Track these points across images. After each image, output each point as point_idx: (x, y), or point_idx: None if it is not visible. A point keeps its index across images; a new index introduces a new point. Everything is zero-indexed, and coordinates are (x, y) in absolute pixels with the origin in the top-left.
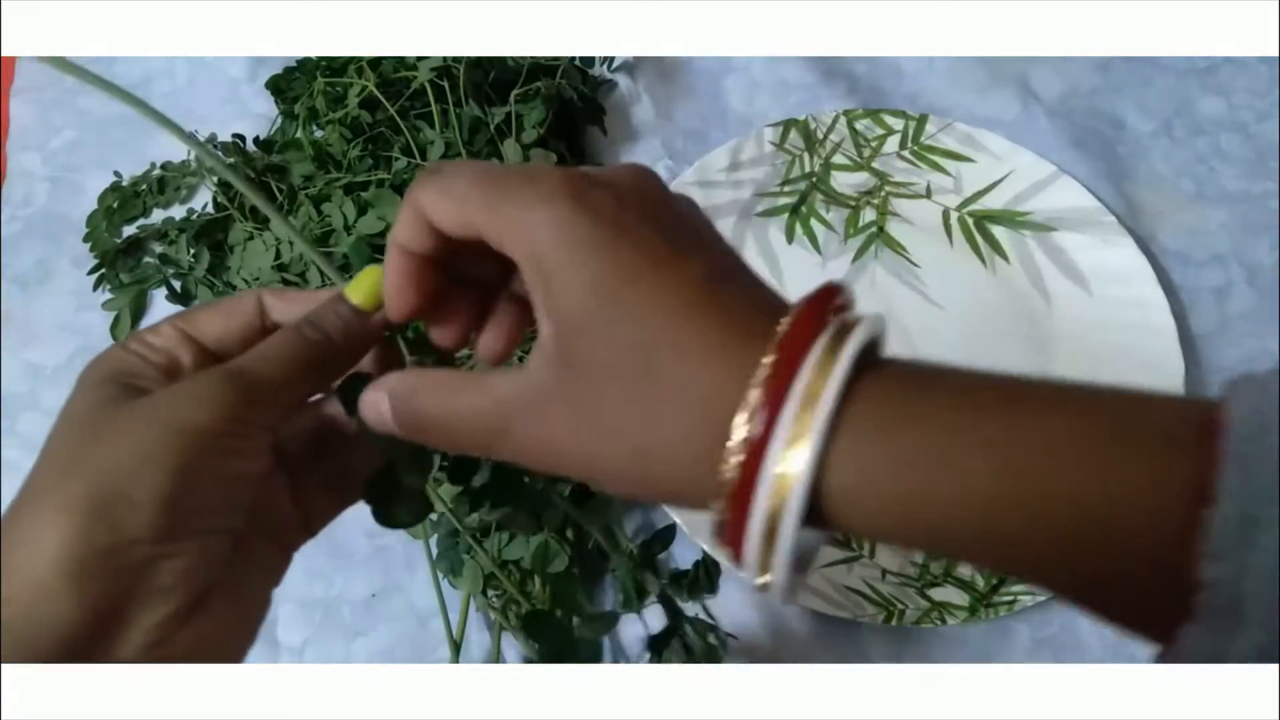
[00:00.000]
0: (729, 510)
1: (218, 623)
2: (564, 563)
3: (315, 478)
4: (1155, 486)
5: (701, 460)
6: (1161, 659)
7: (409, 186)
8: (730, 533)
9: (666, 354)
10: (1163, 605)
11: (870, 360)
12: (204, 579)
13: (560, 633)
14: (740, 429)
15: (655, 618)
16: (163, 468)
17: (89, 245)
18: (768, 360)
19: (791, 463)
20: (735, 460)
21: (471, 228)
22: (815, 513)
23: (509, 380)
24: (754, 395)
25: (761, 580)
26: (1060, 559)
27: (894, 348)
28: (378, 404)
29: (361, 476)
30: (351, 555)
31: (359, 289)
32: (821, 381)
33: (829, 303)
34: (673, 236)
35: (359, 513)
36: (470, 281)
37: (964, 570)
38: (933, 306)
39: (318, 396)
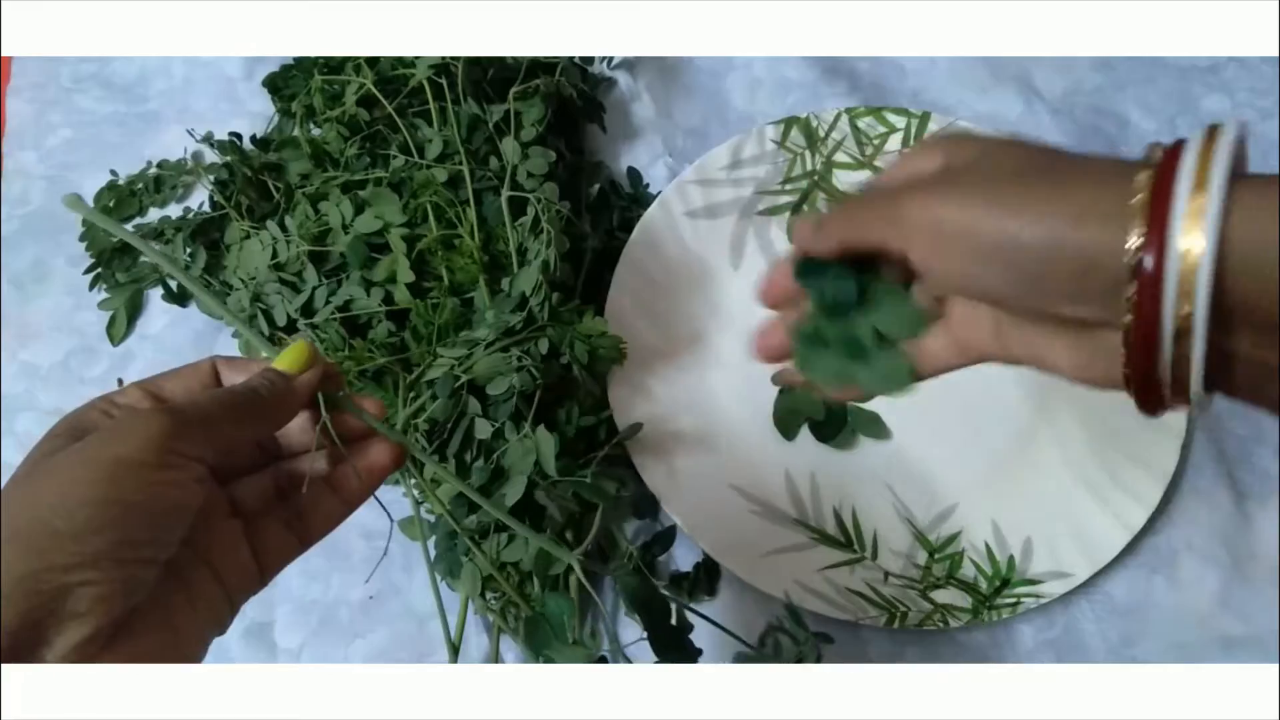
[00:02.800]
0: (1138, 289)
1: (143, 649)
2: (564, 565)
3: (273, 522)
4: None
5: (1110, 236)
6: None
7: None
8: (1144, 291)
9: (1068, 161)
10: None
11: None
12: (121, 605)
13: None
14: (1142, 190)
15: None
16: (83, 499)
17: (85, 244)
18: (1149, 168)
19: (1194, 219)
20: (1140, 220)
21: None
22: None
23: (903, 169)
24: (1153, 167)
25: (1183, 312)
26: None
27: None
28: (803, 231)
29: (319, 523)
30: (349, 557)
31: (284, 359)
32: (1204, 172)
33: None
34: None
35: (357, 515)
36: None
37: (966, 572)
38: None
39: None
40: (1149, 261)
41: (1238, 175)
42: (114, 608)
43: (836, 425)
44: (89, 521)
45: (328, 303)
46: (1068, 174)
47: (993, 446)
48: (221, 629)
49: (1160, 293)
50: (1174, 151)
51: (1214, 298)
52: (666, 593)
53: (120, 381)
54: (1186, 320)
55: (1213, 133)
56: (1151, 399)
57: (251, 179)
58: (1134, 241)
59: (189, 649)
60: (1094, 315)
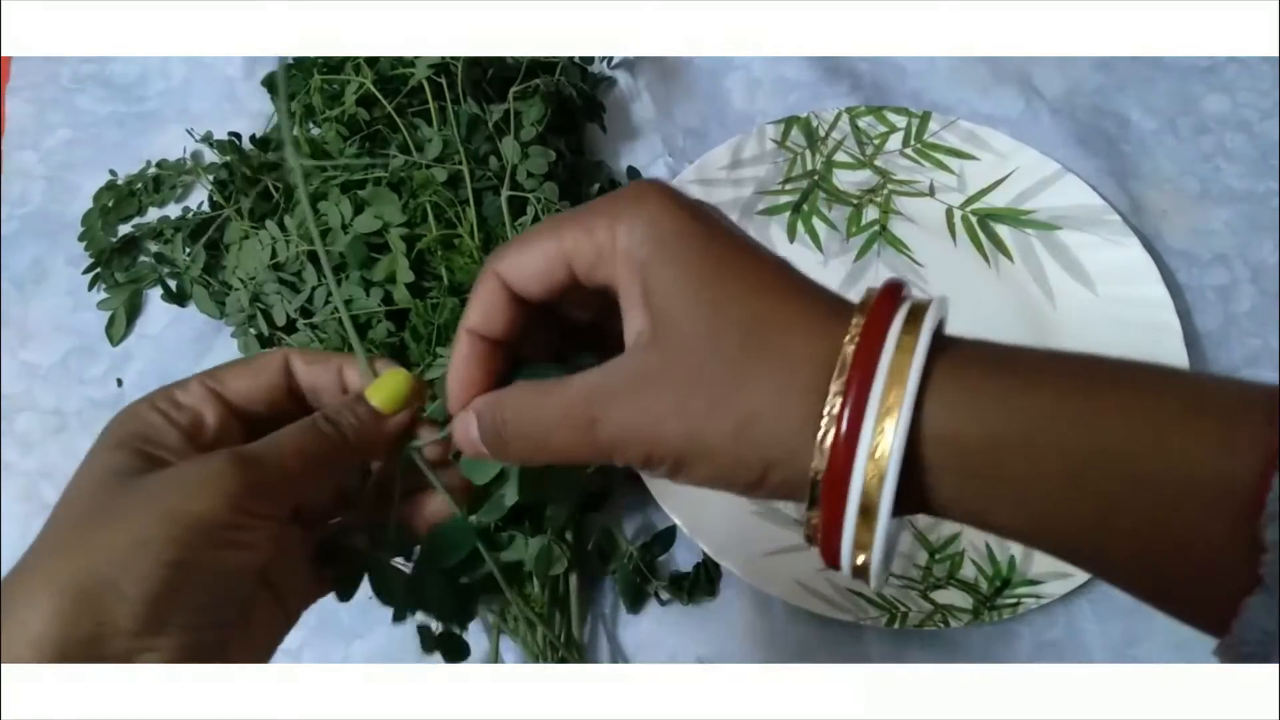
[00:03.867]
0: (826, 476)
1: None
2: (564, 565)
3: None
4: (1228, 454)
5: (802, 426)
6: (1224, 633)
7: (480, 271)
8: (827, 503)
9: (768, 328)
10: (1228, 578)
11: (941, 339)
12: (191, 663)
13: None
14: (836, 396)
15: (654, 616)
16: (155, 560)
17: (85, 244)
18: (856, 324)
19: (887, 427)
20: (830, 429)
21: (558, 268)
22: (906, 486)
23: (597, 372)
24: (847, 355)
25: (860, 559)
26: (1131, 542)
27: None
28: (467, 426)
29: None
30: None
31: (381, 391)
32: (906, 356)
33: (899, 289)
34: (744, 241)
35: None
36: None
37: (967, 572)
38: None
39: None
40: (829, 482)
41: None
42: (183, 663)
43: None
44: (159, 587)
45: (327, 302)
46: (765, 352)
47: None
48: (278, 643)
49: (839, 521)
50: (866, 348)
51: (910, 499)
52: (668, 592)
53: (120, 382)
54: (864, 540)
55: (916, 312)
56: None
57: (251, 179)
58: (815, 475)
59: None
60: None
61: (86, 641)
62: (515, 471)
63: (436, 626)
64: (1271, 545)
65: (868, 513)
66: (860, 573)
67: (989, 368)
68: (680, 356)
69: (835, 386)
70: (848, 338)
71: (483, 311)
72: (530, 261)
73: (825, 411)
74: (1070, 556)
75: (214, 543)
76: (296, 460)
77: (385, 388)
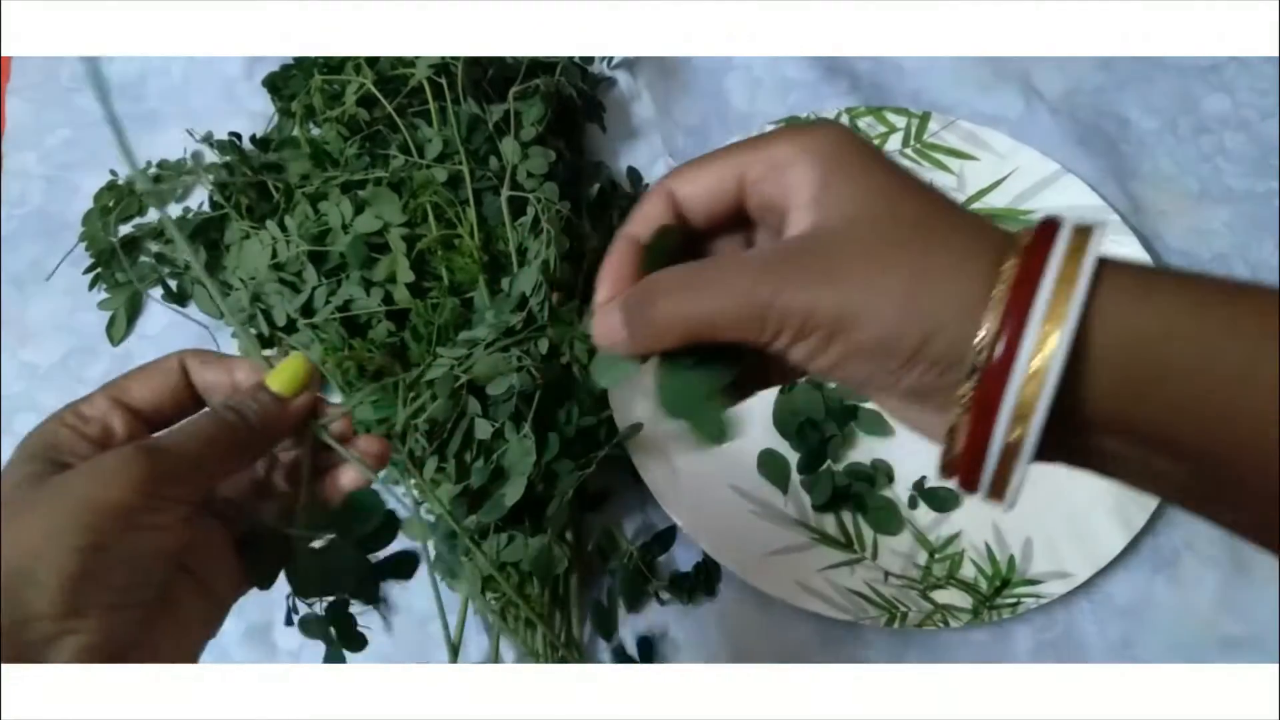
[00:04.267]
0: (986, 367)
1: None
2: (564, 565)
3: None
4: None
5: (972, 294)
6: None
7: (651, 186)
8: (989, 379)
9: (941, 222)
10: None
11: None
12: (108, 653)
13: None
14: (1005, 280)
15: (654, 616)
16: (68, 545)
17: (85, 244)
18: (1027, 231)
19: (1049, 338)
20: (998, 296)
21: (729, 182)
22: (1070, 386)
23: (758, 248)
24: (1021, 244)
25: (1013, 436)
26: None
27: None
28: (609, 316)
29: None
30: None
31: (279, 377)
32: (1076, 253)
33: (1058, 220)
34: (913, 175)
35: None
36: None
37: (967, 572)
38: None
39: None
40: (991, 371)
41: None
42: (101, 657)
43: (839, 425)
44: (73, 571)
45: (327, 303)
46: (939, 239)
47: None
48: (212, 634)
49: (997, 406)
50: (1040, 241)
51: (1070, 408)
52: (668, 592)
53: None
54: (1018, 442)
55: (1084, 231)
56: (971, 488)
57: (251, 179)
58: (981, 339)
59: (177, 661)
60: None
61: (9, 631)
62: (516, 469)
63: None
64: None
65: (1021, 408)
66: (999, 479)
67: (1155, 273)
68: (850, 232)
69: (1008, 264)
70: (1022, 240)
71: (643, 220)
72: (704, 175)
73: (997, 282)
74: (1226, 471)
75: (125, 527)
76: (201, 446)
77: (284, 373)
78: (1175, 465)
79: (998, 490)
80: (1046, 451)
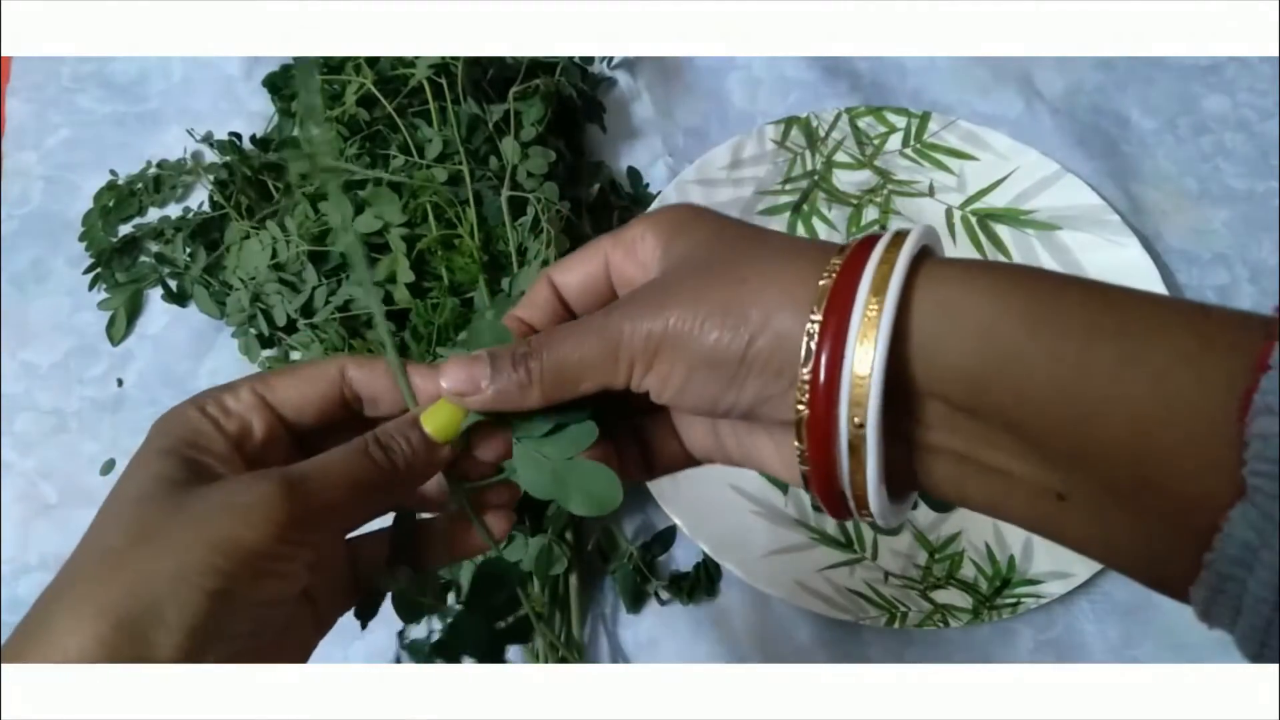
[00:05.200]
0: (813, 377)
1: None
2: (564, 565)
3: (376, 540)
4: (1222, 355)
5: (794, 297)
6: (1206, 552)
7: (535, 278)
8: (815, 416)
9: (763, 247)
10: (1210, 487)
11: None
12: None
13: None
14: (830, 274)
15: (654, 616)
16: (199, 588)
17: (85, 244)
18: (839, 257)
19: (871, 321)
20: (823, 301)
21: (599, 271)
22: (893, 382)
23: (619, 299)
24: (835, 264)
25: (856, 420)
26: (1126, 429)
27: None
28: (472, 375)
29: (430, 559)
30: None
31: (436, 420)
32: (892, 255)
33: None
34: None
35: None
36: None
37: (967, 572)
38: None
39: None
40: (822, 368)
41: (924, 264)
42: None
43: None
44: (201, 618)
45: (327, 303)
46: (759, 263)
47: None
48: (312, 649)
49: (834, 401)
50: (861, 248)
51: (898, 394)
52: (668, 592)
53: (120, 382)
54: (859, 432)
55: (899, 236)
56: (836, 508)
57: (251, 179)
58: (807, 345)
59: None
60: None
61: (123, 662)
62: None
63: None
64: (1255, 439)
65: (855, 395)
66: (857, 491)
67: (983, 265)
68: (686, 269)
69: (834, 260)
70: (849, 245)
71: (530, 306)
72: (576, 265)
73: (823, 275)
74: (1045, 471)
75: (257, 573)
76: (345, 489)
77: (440, 416)
78: (1018, 456)
79: (860, 502)
80: (898, 480)
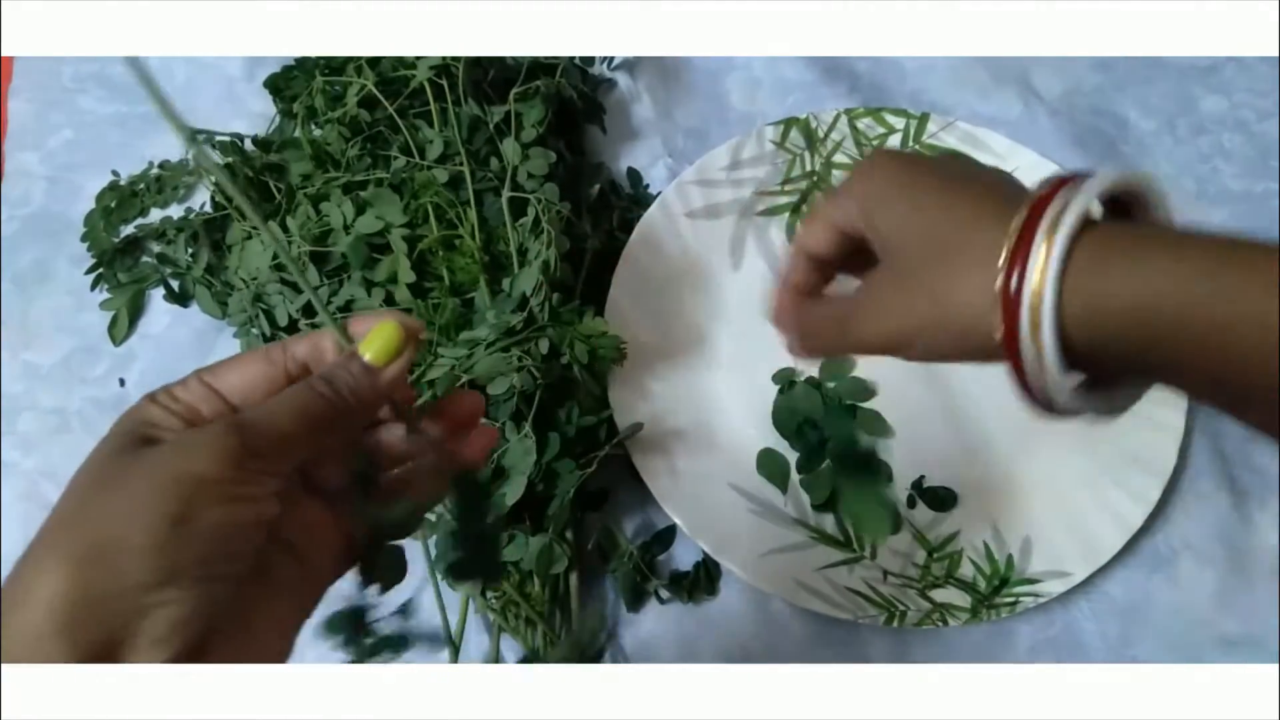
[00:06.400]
0: (1003, 320)
1: (220, 660)
2: (564, 564)
3: (363, 499)
4: None
5: (983, 289)
6: None
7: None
8: (1007, 336)
9: (954, 232)
10: None
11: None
12: (201, 626)
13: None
14: (1004, 255)
15: (655, 616)
16: (159, 514)
17: (87, 245)
18: (1020, 216)
19: (1040, 260)
20: (1001, 277)
21: (835, 234)
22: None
23: (852, 294)
24: (1013, 233)
25: (1045, 366)
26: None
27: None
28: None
29: (419, 490)
30: None
31: (372, 344)
32: (1059, 219)
33: (1067, 180)
34: (944, 171)
35: None
36: None
37: (965, 571)
38: None
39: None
40: (1010, 294)
41: (1102, 220)
42: (192, 631)
43: (839, 425)
44: (165, 538)
45: (329, 303)
46: (950, 257)
47: (992, 446)
48: (307, 616)
49: (1017, 326)
50: (1048, 194)
51: (1072, 337)
52: (668, 591)
53: (122, 382)
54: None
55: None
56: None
57: (253, 179)
58: (999, 279)
59: (272, 646)
60: None
61: (99, 599)
62: (516, 468)
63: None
64: None
65: (1036, 320)
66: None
67: (1142, 229)
68: (896, 269)
69: (1003, 254)
70: (1013, 223)
71: (814, 238)
72: (818, 233)
73: (999, 265)
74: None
75: (215, 498)
76: (293, 421)
77: (377, 339)
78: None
79: (1051, 395)
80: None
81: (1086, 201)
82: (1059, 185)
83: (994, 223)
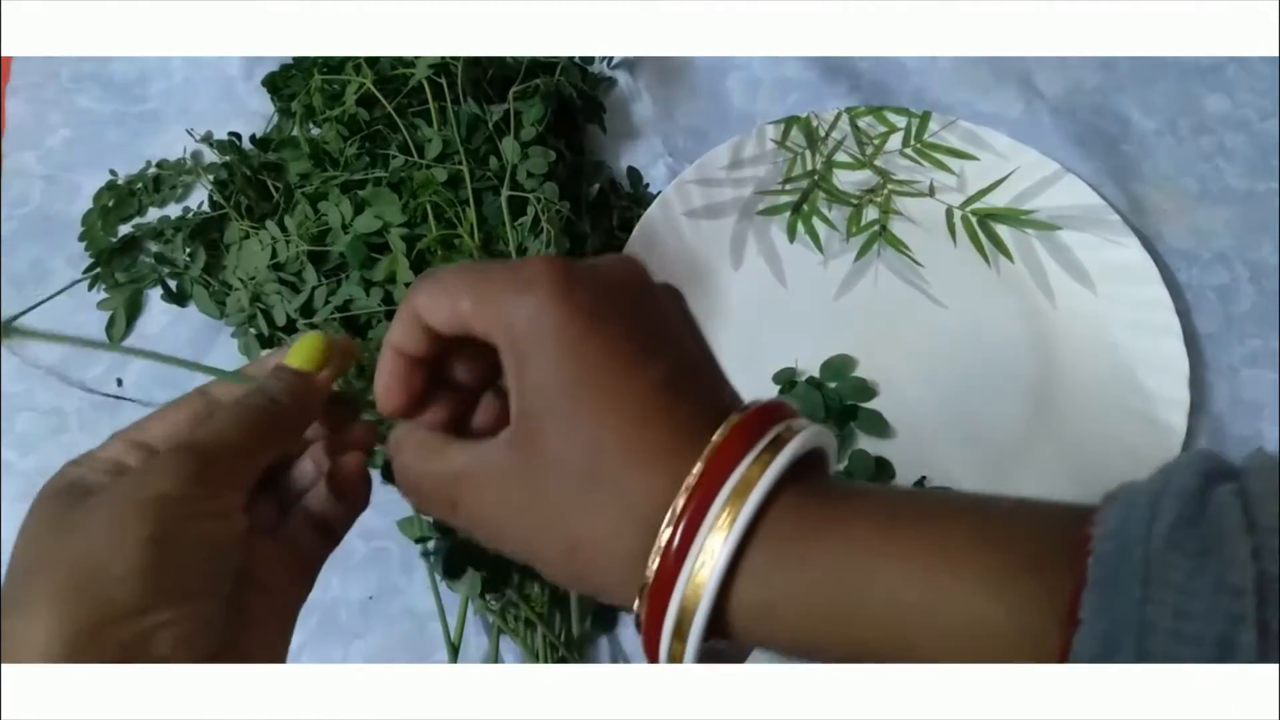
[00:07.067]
0: (646, 610)
1: None
2: None
3: (296, 523)
4: (1031, 616)
5: (629, 560)
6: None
7: (407, 291)
8: (647, 630)
9: (612, 457)
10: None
11: (808, 466)
12: (205, 643)
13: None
14: (665, 534)
15: None
16: (136, 539)
17: (84, 244)
18: (697, 470)
19: (704, 572)
20: (655, 565)
21: (461, 321)
22: (721, 621)
23: (469, 452)
24: (680, 503)
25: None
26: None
27: (894, 348)
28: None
29: (340, 510)
30: (349, 558)
31: (298, 355)
32: (741, 499)
33: (775, 414)
34: (642, 335)
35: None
36: (452, 384)
37: None
38: (936, 306)
39: None
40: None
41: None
42: (198, 646)
43: (839, 424)
44: (147, 561)
45: (327, 303)
46: (604, 484)
47: (993, 446)
48: (289, 635)
49: (663, 616)
50: (720, 469)
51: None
52: None
53: (119, 382)
54: (680, 650)
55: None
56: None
57: (251, 179)
58: (650, 577)
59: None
60: None
61: (94, 630)
62: None
63: None
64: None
65: (680, 631)
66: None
67: (816, 533)
68: (531, 465)
69: (662, 536)
70: (686, 481)
71: (400, 333)
72: (439, 307)
73: (654, 547)
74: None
75: (185, 515)
76: (240, 432)
77: (301, 349)
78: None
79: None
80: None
81: (767, 485)
82: (740, 433)
83: (659, 468)
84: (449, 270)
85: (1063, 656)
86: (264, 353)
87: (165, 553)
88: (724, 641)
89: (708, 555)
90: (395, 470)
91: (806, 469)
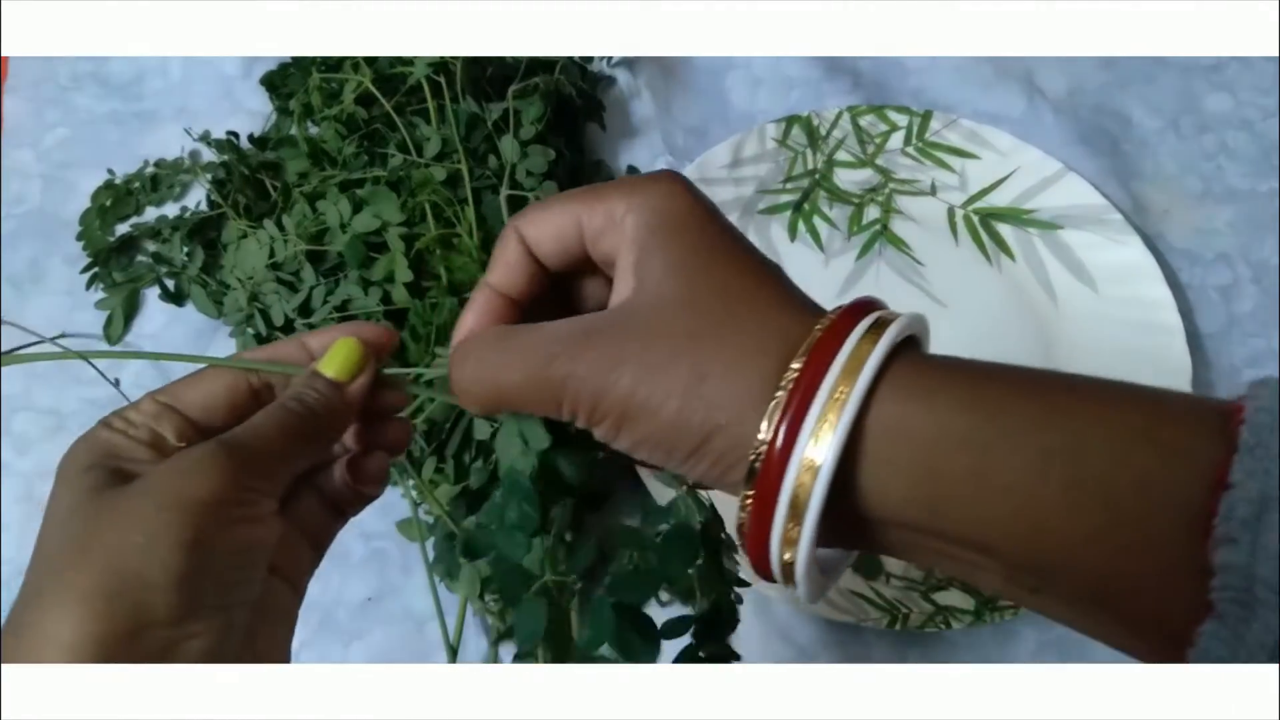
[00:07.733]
0: (767, 452)
1: None
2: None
3: (308, 501)
4: (1180, 471)
5: (753, 395)
6: (1175, 660)
7: (501, 230)
8: (757, 511)
9: (740, 301)
10: (1177, 605)
11: (910, 349)
12: (231, 650)
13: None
14: (791, 374)
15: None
16: (174, 544)
17: (82, 244)
18: (827, 319)
19: (832, 415)
20: (784, 394)
21: (571, 231)
22: (852, 486)
23: (567, 320)
24: (813, 339)
25: (786, 554)
26: (1084, 550)
27: None
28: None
29: (352, 489)
30: (348, 558)
31: (332, 363)
32: (867, 347)
33: (872, 304)
34: (742, 243)
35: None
36: None
37: None
38: (937, 305)
39: None
40: (765, 477)
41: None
42: (225, 653)
43: None
44: (185, 570)
45: (325, 302)
46: (736, 323)
47: None
48: (293, 624)
49: (772, 509)
50: (831, 337)
51: (853, 506)
52: (667, 593)
53: (117, 382)
54: (795, 539)
55: (881, 323)
56: (763, 575)
57: (249, 178)
58: (758, 444)
59: (272, 658)
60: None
61: (126, 637)
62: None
63: None
64: (1221, 569)
65: (796, 506)
66: (787, 574)
67: (947, 371)
68: (650, 313)
69: (795, 365)
70: (817, 326)
71: (502, 267)
72: (548, 221)
73: (780, 386)
74: (1013, 572)
75: (223, 521)
76: (277, 441)
77: (336, 358)
78: (984, 558)
79: (788, 578)
80: (844, 541)
81: (888, 343)
82: (853, 310)
83: (786, 314)
84: (551, 198)
85: (1208, 521)
86: (322, 330)
87: (204, 559)
88: (826, 550)
89: (834, 402)
90: (461, 375)
91: (906, 343)
